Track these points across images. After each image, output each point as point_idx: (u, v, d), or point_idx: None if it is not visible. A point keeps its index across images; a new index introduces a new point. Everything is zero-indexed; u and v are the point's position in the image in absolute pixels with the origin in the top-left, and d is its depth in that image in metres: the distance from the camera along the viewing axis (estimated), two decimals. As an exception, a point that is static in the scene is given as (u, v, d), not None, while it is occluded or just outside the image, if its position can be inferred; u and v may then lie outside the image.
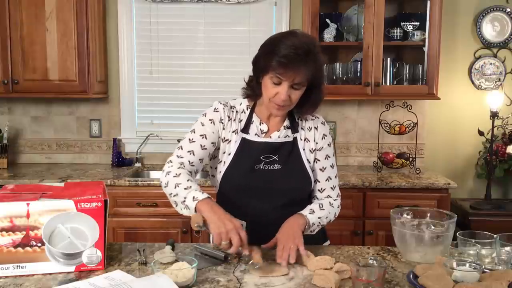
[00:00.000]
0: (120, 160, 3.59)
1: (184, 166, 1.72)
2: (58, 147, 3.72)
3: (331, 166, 1.83)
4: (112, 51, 3.62)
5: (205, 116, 1.77)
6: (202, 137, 1.74)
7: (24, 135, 3.72)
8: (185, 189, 1.62)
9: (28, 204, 1.46)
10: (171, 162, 1.73)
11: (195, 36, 3.62)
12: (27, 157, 3.72)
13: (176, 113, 3.71)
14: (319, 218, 1.71)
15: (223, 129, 1.76)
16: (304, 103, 1.72)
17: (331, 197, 1.81)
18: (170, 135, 3.64)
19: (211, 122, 1.75)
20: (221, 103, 1.78)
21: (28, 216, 1.46)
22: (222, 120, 1.76)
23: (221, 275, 1.47)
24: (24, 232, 1.46)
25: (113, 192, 3.00)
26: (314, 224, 1.70)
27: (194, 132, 1.75)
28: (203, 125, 1.75)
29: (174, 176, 1.67)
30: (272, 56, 1.60)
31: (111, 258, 1.61)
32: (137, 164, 3.58)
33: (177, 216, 3.02)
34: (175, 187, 1.65)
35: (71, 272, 1.49)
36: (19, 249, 1.46)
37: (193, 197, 1.59)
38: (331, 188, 1.82)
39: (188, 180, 1.64)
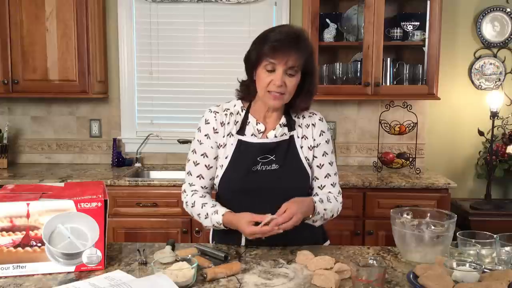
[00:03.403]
0: (120, 160, 3.59)
1: (197, 192, 1.78)
2: (58, 147, 3.72)
3: (329, 163, 1.81)
4: (112, 51, 3.62)
5: (200, 131, 1.78)
6: (204, 157, 1.77)
7: (24, 135, 3.72)
8: (205, 218, 1.72)
9: (28, 204, 1.46)
10: (185, 191, 1.81)
11: (195, 36, 3.62)
12: (27, 157, 3.72)
13: (176, 113, 3.71)
14: (324, 209, 1.71)
15: (223, 136, 1.76)
16: (298, 94, 1.72)
17: (332, 193, 1.80)
18: (170, 135, 3.65)
19: (207, 137, 1.76)
20: (211, 112, 1.78)
21: (28, 216, 1.46)
22: (216, 130, 1.76)
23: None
24: (24, 232, 1.46)
25: (113, 192, 3.00)
26: (319, 214, 1.69)
27: (195, 153, 1.78)
28: (201, 143, 1.77)
29: (192, 207, 1.77)
30: (263, 44, 1.64)
31: (111, 258, 1.61)
32: (137, 164, 3.58)
33: (177, 216, 3.04)
34: (199, 218, 1.76)
35: (71, 272, 1.49)
36: (19, 249, 1.46)
37: (217, 222, 1.68)
38: (331, 185, 1.81)
39: (202, 207, 1.73)
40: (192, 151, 1.79)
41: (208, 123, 1.77)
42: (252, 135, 1.75)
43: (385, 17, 3.22)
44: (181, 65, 3.65)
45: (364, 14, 3.23)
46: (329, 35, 3.34)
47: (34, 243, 1.47)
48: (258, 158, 1.72)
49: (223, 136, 1.76)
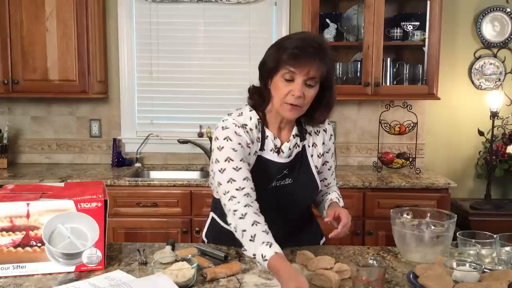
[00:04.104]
0: (120, 160, 3.58)
1: (250, 196, 1.52)
2: (58, 147, 3.72)
3: (333, 160, 1.86)
4: (112, 51, 3.62)
5: (230, 140, 1.58)
6: (243, 161, 1.57)
7: (24, 135, 3.72)
8: (250, 240, 1.42)
9: (28, 204, 1.46)
10: (234, 198, 1.50)
11: (195, 36, 3.62)
12: (27, 157, 3.72)
13: (176, 113, 3.71)
14: (342, 207, 1.76)
15: (249, 154, 1.62)
16: (317, 107, 1.63)
17: (333, 186, 1.88)
18: (170, 135, 3.65)
19: (241, 146, 1.59)
20: (239, 126, 1.61)
21: (28, 216, 1.46)
22: (248, 144, 1.62)
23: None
24: (24, 232, 1.46)
25: (113, 192, 3.00)
26: None
27: (232, 160, 1.56)
28: (235, 150, 1.57)
29: (240, 218, 1.47)
30: (283, 50, 1.52)
31: (111, 258, 1.61)
32: (137, 164, 3.58)
33: (177, 216, 3.04)
34: (241, 235, 1.45)
35: (71, 272, 1.50)
36: (19, 249, 1.47)
37: (263, 256, 1.37)
38: (334, 179, 1.88)
39: (253, 225, 1.43)
40: (226, 160, 1.56)
41: (240, 135, 1.60)
42: (270, 150, 1.66)
43: (385, 17, 3.22)
44: (181, 65, 3.65)
45: (364, 14, 3.23)
46: (329, 35, 3.34)
47: (34, 243, 1.47)
48: (275, 177, 1.68)
49: (250, 154, 1.63)
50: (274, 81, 1.57)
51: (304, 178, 1.71)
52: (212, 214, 1.86)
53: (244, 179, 1.53)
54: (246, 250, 1.45)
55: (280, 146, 1.68)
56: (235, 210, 1.48)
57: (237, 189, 1.51)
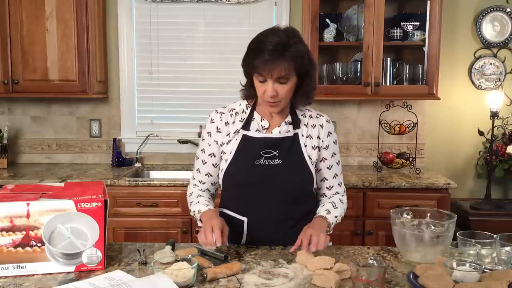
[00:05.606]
0: (120, 160, 3.59)
1: (208, 190, 1.88)
2: (58, 147, 3.72)
3: (337, 163, 1.86)
4: (112, 51, 3.62)
5: (204, 128, 1.85)
6: (211, 156, 1.83)
7: (24, 135, 3.72)
8: (194, 203, 1.81)
9: (28, 204, 1.46)
10: (195, 186, 1.89)
11: (195, 36, 3.62)
12: (27, 157, 3.72)
13: (176, 113, 3.71)
14: (335, 217, 1.78)
15: (227, 134, 1.79)
16: (296, 94, 1.73)
17: (339, 193, 1.87)
18: (170, 135, 3.65)
19: (209, 135, 1.82)
20: (217, 112, 1.83)
21: (28, 216, 1.46)
22: (219, 129, 1.80)
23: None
24: (24, 232, 1.46)
25: (113, 192, 3.01)
26: (332, 224, 1.76)
27: (204, 153, 1.84)
28: (203, 139, 1.85)
29: (190, 196, 1.87)
30: (253, 57, 1.65)
31: (111, 258, 1.61)
32: (137, 164, 3.58)
33: (177, 216, 3.04)
34: (190, 205, 1.84)
35: (71, 272, 1.50)
36: (19, 249, 1.47)
37: (198, 210, 1.76)
38: (338, 184, 1.87)
39: (197, 196, 1.83)
40: (202, 150, 1.85)
41: (213, 122, 1.82)
42: (256, 130, 1.78)
43: (385, 17, 3.22)
44: (181, 65, 3.65)
45: (364, 14, 3.23)
46: (329, 35, 3.34)
47: (34, 243, 1.47)
48: (261, 152, 1.74)
49: (227, 135, 1.79)
50: (254, 80, 1.70)
51: (294, 161, 1.76)
52: (219, 210, 1.88)
53: (206, 174, 1.85)
54: (191, 211, 1.81)
55: (269, 127, 1.78)
56: (191, 192, 1.87)
57: (200, 181, 1.87)
